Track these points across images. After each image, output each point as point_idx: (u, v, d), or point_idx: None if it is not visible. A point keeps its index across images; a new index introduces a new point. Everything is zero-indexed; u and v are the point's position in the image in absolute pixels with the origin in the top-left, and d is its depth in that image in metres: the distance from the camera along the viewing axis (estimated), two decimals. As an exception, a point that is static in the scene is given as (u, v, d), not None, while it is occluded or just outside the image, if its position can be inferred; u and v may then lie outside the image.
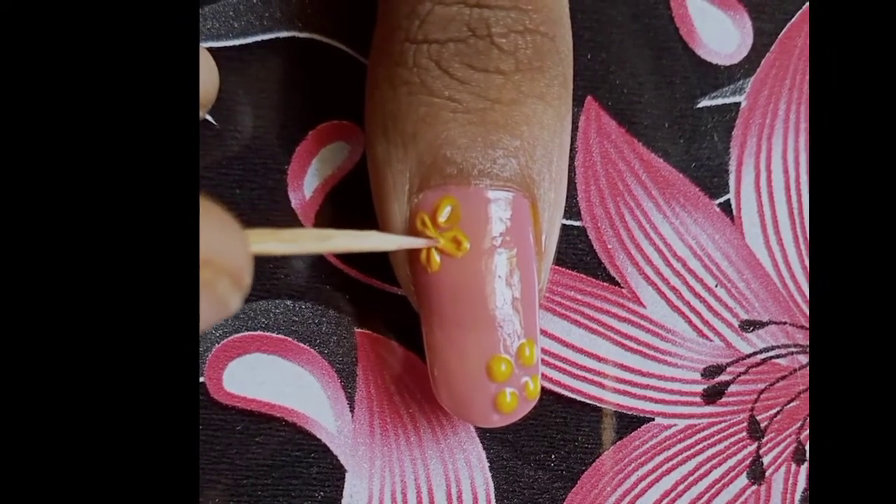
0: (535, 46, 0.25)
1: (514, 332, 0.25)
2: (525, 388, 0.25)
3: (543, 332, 0.28)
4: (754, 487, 0.29)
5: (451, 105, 0.24)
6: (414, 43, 0.25)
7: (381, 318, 0.28)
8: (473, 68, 0.24)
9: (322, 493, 0.28)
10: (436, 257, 0.24)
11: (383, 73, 0.25)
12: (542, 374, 0.28)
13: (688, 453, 0.28)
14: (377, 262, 0.28)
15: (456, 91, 0.24)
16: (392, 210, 0.25)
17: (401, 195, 0.25)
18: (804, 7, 0.30)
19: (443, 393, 0.26)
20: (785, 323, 0.29)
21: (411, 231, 0.25)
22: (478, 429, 0.28)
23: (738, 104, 0.29)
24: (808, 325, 0.29)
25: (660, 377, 0.29)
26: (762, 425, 0.29)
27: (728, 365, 0.29)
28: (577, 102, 0.29)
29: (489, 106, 0.24)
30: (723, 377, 0.29)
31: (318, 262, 0.28)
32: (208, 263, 0.19)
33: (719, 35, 0.29)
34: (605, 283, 0.29)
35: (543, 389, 0.28)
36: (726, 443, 0.29)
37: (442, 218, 0.24)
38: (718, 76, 0.29)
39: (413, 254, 0.25)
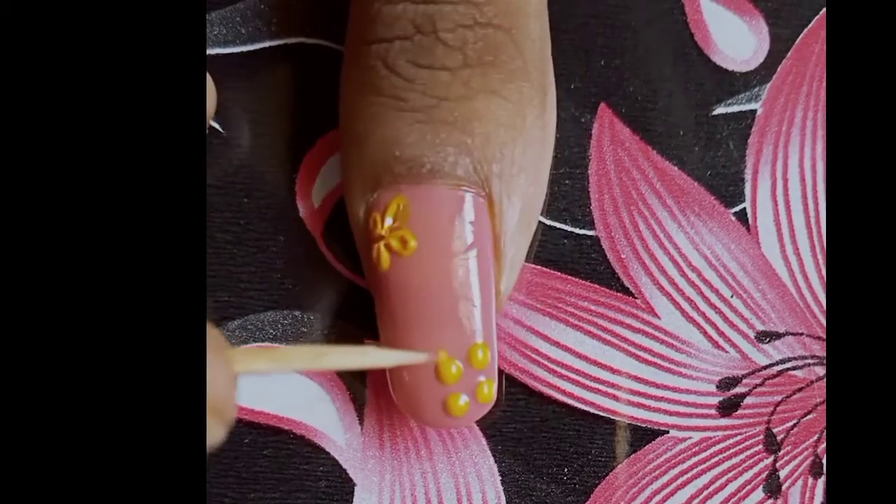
0: (487, 40, 0.25)
1: (463, 334, 0.25)
2: (478, 392, 0.26)
3: (557, 343, 0.29)
4: (770, 501, 0.29)
5: (397, 104, 0.25)
6: (365, 44, 0.25)
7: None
8: (419, 66, 0.25)
9: (331, 507, 0.28)
10: (386, 255, 0.25)
11: (343, 77, 0.27)
12: (556, 386, 0.29)
13: (703, 467, 0.29)
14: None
15: (402, 90, 0.25)
16: (354, 211, 0.26)
17: (359, 195, 0.26)
18: (821, 12, 0.30)
19: (396, 394, 0.27)
20: (802, 334, 0.29)
21: (368, 230, 0.26)
22: (489, 441, 0.29)
23: (754, 111, 0.30)
24: (825, 335, 0.29)
25: (674, 389, 0.29)
26: (778, 438, 0.29)
27: (744, 377, 0.29)
28: (590, 109, 0.29)
29: (436, 103, 0.25)
30: (738, 389, 0.29)
31: (326, 273, 0.29)
32: None
33: (735, 41, 0.30)
34: (618, 294, 0.29)
35: (556, 402, 0.29)
36: (742, 456, 0.29)
37: (389, 217, 0.25)
38: (734, 83, 0.30)
39: (366, 252, 0.26)
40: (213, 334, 0.21)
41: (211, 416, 0.20)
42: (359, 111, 0.26)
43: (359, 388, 0.29)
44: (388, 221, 0.25)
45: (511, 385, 0.29)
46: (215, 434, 0.21)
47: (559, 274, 0.29)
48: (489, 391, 0.26)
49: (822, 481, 0.29)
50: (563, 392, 0.29)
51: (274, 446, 0.28)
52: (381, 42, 0.25)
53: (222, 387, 0.21)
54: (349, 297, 0.29)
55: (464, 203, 0.25)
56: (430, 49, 0.25)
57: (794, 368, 0.29)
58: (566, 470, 0.29)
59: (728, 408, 0.29)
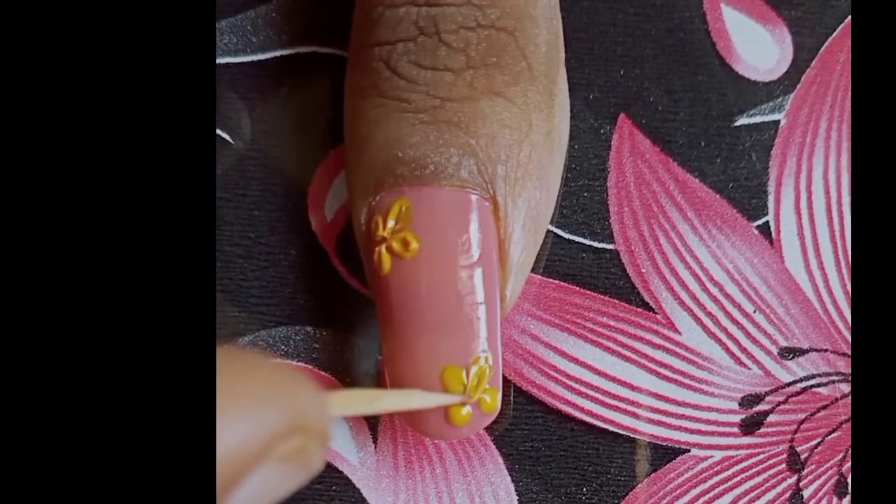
0: (490, 42, 0.26)
1: (466, 340, 0.26)
2: (481, 402, 0.26)
3: (575, 360, 0.29)
4: (794, 522, 0.30)
5: (400, 105, 0.26)
6: (367, 47, 0.26)
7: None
8: (421, 66, 0.26)
9: (344, 527, 0.29)
10: (387, 258, 0.26)
11: (347, 82, 0.27)
12: (574, 404, 0.29)
13: (725, 486, 0.29)
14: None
15: (405, 91, 0.26)
16: (356, 214, 0.27)
17: (361, 198, 0.27)
18: (846, 21, 0.31)
19: None
20: (826, 350, 0.30)
21: (370, 233, 0.26)
22: (506, 461, 0.29)
23: (777, 122, 0.30)
24: (850, 352, 0.30)
25: (696, 407, 0.30)
26: (802, 457, 0.30)
27: (767, 394, 0.30)
28: (610, 120, 0.30)
29: (439, 104, 0.26)
30: (761, 407, 0.30)
31: (339, 288, 0.29)
32: (302, 429, 0.20)
33: (758, 50, 0.30)
34: (638, 309, 0.30)
35: (574, 419, 0.29)
36: (765, 475, 0.30)
37: (391, 219, 0.26)
38: (757, 93, 0.30)
39: (368, 256, 0.26)
40: (309, 382, 0.21)
41: (318, 444, 0.21)
42: (362, 113, 0.26)
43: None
44: (391, 224, 0.26)
45: (528, 402, 0.29)
46: (319, 461, 0.21)
47: (578, 289, 0.30)
48: (492, 401, 0.26)
49: (846, 501, 0.30)
50: (582, 410, 0.29)
51: (286, 465, 0.29)
52: (384, 44, 0.26)
53: (325, 416, 0.21)
54: (363, 312, 0.29)
55: (468, 205, 0.26)
56: (432, 51, 0.25)
57: (818, 385, 0.30)
58: (585, 489, 0.29)
59: (751, 426, 0.30)
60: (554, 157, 0.27)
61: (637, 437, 0.29)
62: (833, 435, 0.30)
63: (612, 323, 0.30)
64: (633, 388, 0.30)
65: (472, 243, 0.26)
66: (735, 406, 0.30)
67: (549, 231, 0.30)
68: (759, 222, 0.30)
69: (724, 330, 0.30)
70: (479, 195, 0.26)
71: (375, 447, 0.29)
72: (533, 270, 0.29)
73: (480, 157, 0.26)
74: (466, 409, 0.26)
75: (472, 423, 0.26)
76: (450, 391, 0.26)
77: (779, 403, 0.30)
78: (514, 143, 0.26)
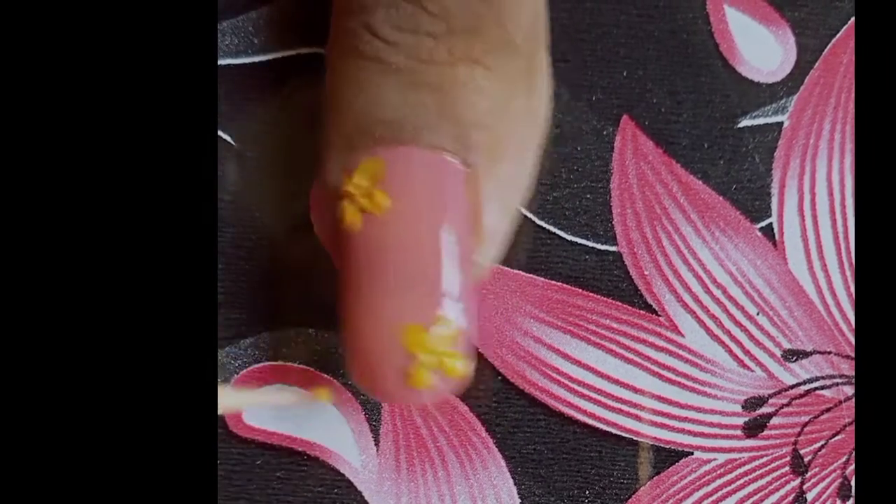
0: (470, 9, 0.26)
1: (432, 300, 0.25)
2: (444, 366, 0.25)
3: (578, 362, 0.30)
4: (798, 525, 0.30)
5: (380, 67, 0.26)
6: (349, 13, 0.26)
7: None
8: (402, 30, 0.26)
9: (346, 530, 0.29)
10: (356, 215, 0.26)
11: (328, 47, 0.27)
12: (577, 406, 0.29)
13: (728, 489, 0.30)
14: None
15: (385, 53, 0.26)
16: (332, 173, 0.27)
17: (338, 157, 0.27)
18: (849, 22, 0.31)
19: (353, 363, 0.26)
20: (830, 353, 0.30)
21: (340, 190, 0.26)
22: (509, 464, 0.29)
23: (780, 124, 0.30)
24: (853, 354, 0.30)
25: (699, 409, 0.30)
26: (806, 460, 0.30)
27: (770, 396, 0.30)
28: (613, 122, 0.30)
29: (419, 68, 0.26)
30: (765, 409, 0.30)
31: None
32: None
33: (761, 51, 0.31)
34: (641, 311, 0.30)
35: (577, 422, 0.29)
36: (768, 478, 0.30)
37: (365, 178, 0.26)
38: (760, 94, 0.30)
39: (340, 215, 0.26)
40: None
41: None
42: (341, 75, 0.27)
43: (374, 409, 0.29)
44: (364, 182, 0.26)
45: (531, 405, 0.29)
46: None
47: (580, 291, 0.30)
48: (462, 367, 0.26)
49: (850, 504, 0.30)
50: (585, 412, 0.29)
51: (287, 468, 0.29)
52: (366, 9, 0.26)
53: None
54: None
55: (442, 167, 0.26)
56: (413, 16, 0.26)
57: (821, 388, 0.30)
58: (587, 492, 0.29)
59: (754, 428, 0.30)
60: (531, 135, 0.28)
61: (640, 439, 0.30)
62: (837, 437, 0.30)
63: (614, 325, 0.30)
64: (635, 390, 0.30)
65: (445, 205, 0.26)
66: (738, 409, 0.30)
67: (551, 232, 0.30)
68: (763, 224, 0.30)
69: (728, 332, 0.30)
70: (454, 158, 0.26)
71: (377, 450, 0.29)
72: (532, 270, 0.30)
73: (458, 122, 0.26)
74: (427, 371, 0.25)
75: (433, 386, 0.25)
76: (410, 350, 0.25)
77: (782, 406, 0.30)
78: (492, 112, 0.26)
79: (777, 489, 0.30)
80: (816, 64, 0.31)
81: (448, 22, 0.26)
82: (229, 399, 0.26)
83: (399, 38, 0.26)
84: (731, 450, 0.30)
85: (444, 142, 0.26)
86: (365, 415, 0.29)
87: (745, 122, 0.30)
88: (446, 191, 0.26)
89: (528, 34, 0.27)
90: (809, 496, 0.30)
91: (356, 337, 0.26)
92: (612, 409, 0.30)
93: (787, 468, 0.30)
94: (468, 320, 0.26)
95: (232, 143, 0.29)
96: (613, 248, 0.30)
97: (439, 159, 0.26)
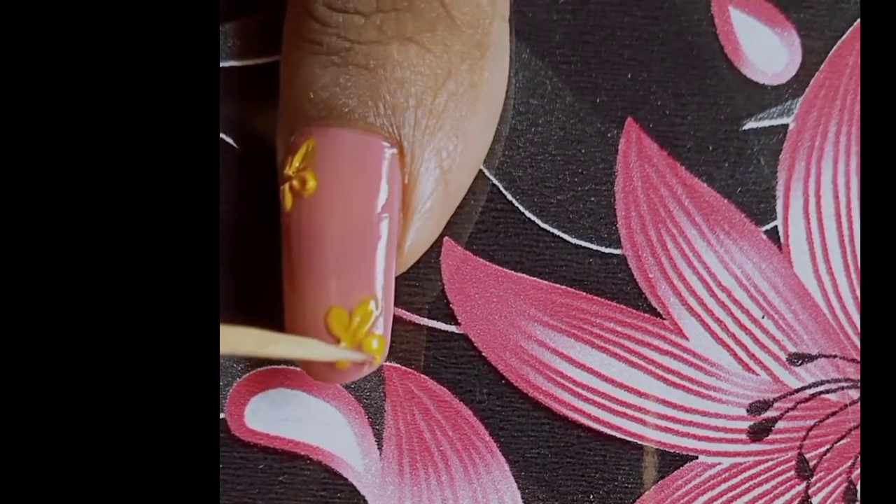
0: None
1: (353, 283, 0.26)
2: (364, 346, 0.26)
3: (582, 366, 0.30)
4: (803, 530, 0.30)
5: (314, 48, 0.27)
6: None
7: (410, 350, 0.30)
8: (334, 9, 0.26)
9: (349, 534, 0.29)
10: (289, 197, 0.26)
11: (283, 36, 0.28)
12: (581, 410, 0.29)
13: (733, 493, 0.30)
14: (406, 292, 0.29)
15: (318, 34, 0.27)
16: (278, 155, 0.28)
17: (282, 139, 0.28)
18: (855, 24, 0.31)
19: None
20: (835, 356, 0.30)
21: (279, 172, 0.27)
22: (512, 468, 0.29)
23: (785, 126, 0.30)
24: (859, 358, 0.30)
25: (703, 413, 0.30)
26: (811, 464, 0.30)
27: (775, 400, 0.30)
28: (617, 124, 0.30)
29: (350, 47, 0.26)
30: (770, 413, 0.30)
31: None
32: None
33: (766, 53, 0.31)
34: (646, 315, 0.30)
35: (581, 426, 0.29)
36: (773, 482, 0.30)
37: (297, 159, 0.26)
38: (765, 97, 0.30)
39: (280, 195, 0.27)
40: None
41: None
42: (284, 59, 0.28)
43: (377, 413, 0.29)
44: (297, 163, 0.26)
45: (535, 409, 0.29)
46: None
47: (584, 294, 0.30)
48: (378, 346, 0.26)
49: (856, 509, 0.30)
50: (589, 416, 0.30)
51: (290, 472, 0.29)
52: None
53: None
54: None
55: (371, 148, 0.26)
56: None
57: (827, 392, 0.30)
58: (592, 497, 0.29)
59: (759, 432, 0.30)
60: (478, 110, 0.28)
61: (644, 443, 0.30)
62: (842, 441, 0.30)
63: (619, 328, 0.30)
64: (640, 394, 0.30)
65: (373, 187, 0.26)
66: (743, 412, 0.30)
67: (555, 236, 0.30)
68: (768, 227, 0.30)
69: (733, 336, 0.30)
70: (384, 139, 0.26)
71: (380, 454, 0.29)
72: (536, 274, 0.30)
73: (388, 101, 0.26)
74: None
75: (353, 367, 0.26)
76: (333, 333, 0.26)
77: (787, 410, 0.30)
78: (427, 90, 0.26)
79: (782, 493, 0.30)
80: (822, 66, 0.31)
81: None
82: (250, 342, 0.25)
83: (331, 17, 0.26)
84: (735, 454, 0.30)
85: (374, 123, 0.26)
86: (368, 418, 0.29)
87: (750, 125, 0.30)
88: (375, 172, 0.26)
89: (473, 8, 0.27)
90: (815, 500, 0.30)
91: (287, 319, 0.27)
92: (617, 413, 0.30)
93: (792, 472, 0.30)
94: (390, 303, 0.27)
95: (234, 145, 0.29)
96: (618, 252, 0.30)
97: (368, 140, 0.26)
